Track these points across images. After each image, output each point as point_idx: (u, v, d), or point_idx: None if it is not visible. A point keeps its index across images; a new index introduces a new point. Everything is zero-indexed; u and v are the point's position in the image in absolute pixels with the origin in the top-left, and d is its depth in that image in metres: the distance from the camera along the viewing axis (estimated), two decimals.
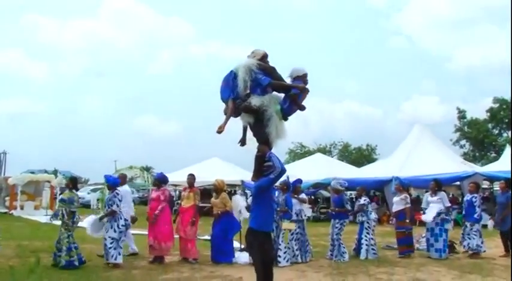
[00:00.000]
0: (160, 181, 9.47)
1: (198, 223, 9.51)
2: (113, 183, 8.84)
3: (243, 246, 9.16)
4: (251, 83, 5.49)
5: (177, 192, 25.22)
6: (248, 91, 5.54)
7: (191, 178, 9.70)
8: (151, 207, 9.25)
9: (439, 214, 10.00)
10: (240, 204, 10.23)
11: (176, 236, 9.34)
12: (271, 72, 5.61)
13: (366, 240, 10.00)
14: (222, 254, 9.11)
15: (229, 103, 5.48)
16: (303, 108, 5.66)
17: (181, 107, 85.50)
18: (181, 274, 8.03)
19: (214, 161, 25.52)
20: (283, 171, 5.22)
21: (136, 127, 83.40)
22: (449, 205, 10.44)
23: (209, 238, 9.80)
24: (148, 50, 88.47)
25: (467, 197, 10.56)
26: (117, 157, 56.07)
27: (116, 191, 8.63)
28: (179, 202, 9.75)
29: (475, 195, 10.43)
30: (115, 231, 8.43)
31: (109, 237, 8.39)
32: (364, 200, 10.44)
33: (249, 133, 5.72)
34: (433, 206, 10.14)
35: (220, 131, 5.37)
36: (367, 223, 10.17)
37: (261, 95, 5.47)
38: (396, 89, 74.62)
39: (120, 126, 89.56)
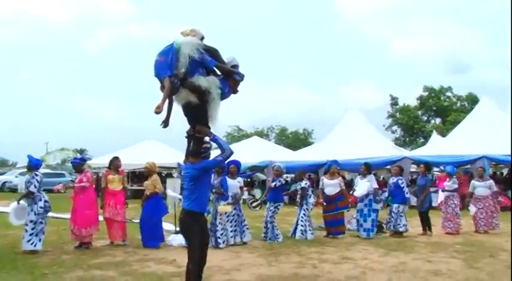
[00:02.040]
0: (32, 166, 8.56)
1: (130, 206, 9.45)
2: (35, 165, 8.54)
3: (177, 228, 9.15)
4: (193, 62, 5.32)
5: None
6: (184, 70, 5.33)
7: (119, 160, 9.59)
8: (75, 191, 9.00)
9: (367, 195, 10.45)
10: (176, 187, 10.23)
11: (101, 219, 9.17)
12: (214, 54, 5.54)
13: (302, 221, 10.26)
14: (150, 237, 9.02)
15: (166, 82, 5.21)
16: (236, 92, 5.70)
17: (119, 87, 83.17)
18: (114, 258, 7.91)
19: (150, 143, 25.19)
20: (231, 153, 5.25)
21: (70, 108, 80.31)
22: (377, 186, 10.88)
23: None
24: (85, 27, 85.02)
25: (392, 179, 11.08)
26: (49, 138, 53.95)
27: (35, 172, 8.35)
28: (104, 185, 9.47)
29: (400, 177, 10.95)
30: (35, 214, 8.17)
31: (30, 221, 8.13)
32: (305, 183, 10.66)
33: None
34: (362, 183, 10.63)
35: (158, 111, 5.10)
36: (306, 205, 10.42)
37: (204, 76, 5.40)
38: (335, 74, 76.37)
39: (53, 107, 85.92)
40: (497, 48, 67.98)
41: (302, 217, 10.28)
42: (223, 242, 9.16)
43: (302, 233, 10.18)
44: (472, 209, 11.33)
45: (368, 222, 10.39)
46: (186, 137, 5.56)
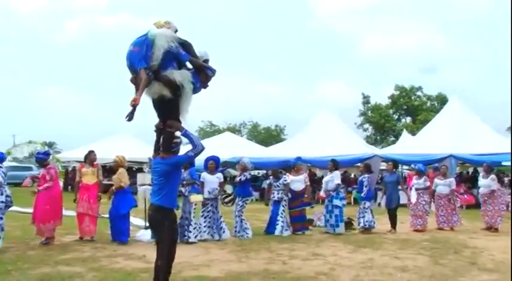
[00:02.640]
0: None
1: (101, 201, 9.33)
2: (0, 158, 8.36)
3: (147, 224, 9.08)
4: (167, 55, 5.24)
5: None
6: (158, 62, 5.23)
7: (94, 154, 9.51)
8: (38, 185, 8.80)
9: (328, 191, 10.70)
10: (146, 182, 10.14)
11: (69, 214, 9.01)
12: (188, 48, 5.48)
13: (282, 218, 10.29)
14: (118, 232, 8.93)
15: (142, 74, 5.10)
16: (206, 87, 5.67)
17: (90, 79, 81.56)
18: (82, 254, 7.79)
19: (122, 137, 24.94)
20: (203, 149, 5.23)
21: (39, 99, 78.48)
22: (339, 182, 11.00)
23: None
24: (54, 18, 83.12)
25: (360, 177, 11.22)
26: (17, 131, 52.69)
27: None
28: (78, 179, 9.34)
29: (365, 175, 11.17)
30: None
31: None
32: (285, 180, 10.70)
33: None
34: (329, 181, 10.83)
35: (135, 103, 5.00)
36: (284, 201, 10.45)
37: (177, 70, 5.34)
38: (308, 71, 76.72)
39: (21, 98, 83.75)
40: (467, 50, 69.51)
41: (282, 213, 10.33)
42: (195, 236, 9.13)
43: (282, 230, 10.19)
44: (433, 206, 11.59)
45: (332, 218, 10.55)
46: (155, 131, 5.49)
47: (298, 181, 10.75)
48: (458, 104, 20.83)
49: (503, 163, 15.68)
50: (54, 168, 9.33)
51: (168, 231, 5.19)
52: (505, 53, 65.45)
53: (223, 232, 9.65)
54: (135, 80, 5.28)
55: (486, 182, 11.62)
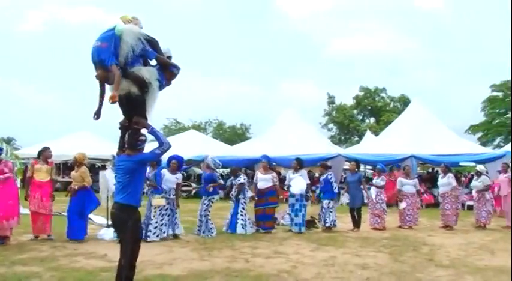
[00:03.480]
0: None
1: (61, 198, 9.13)
2: None
3: (109, 222, 8.95)
4: (134, 51, 5.17)
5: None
6: (125, 59, 5.17)
7: (49, 151, 9.23)
8: None
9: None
10: (109, 179, 9.95)
11: (25, 212, 8.77)
12: (155, 45, 5.43)
13: (242, 216, 10.34)
14: (75, 230, 8.76)
15: (115, 70, 5.02)
16: (169, 85, 5.64)
17: (52, 74, 79.06)
18: (39, 253, 7.60)
19: (84, 134, 24.61)
20: (169, 147, 5.19)
21: None
22: (309, 182, 11.14)
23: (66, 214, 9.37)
24: (15, 10, 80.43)
25: (325, 176, 11.38)
26: None
27: None
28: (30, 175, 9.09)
29: (330, 173, 11.32)
30: None
31: None
32: (244, 179, 10.74)
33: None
34: (297, 179, 10.84)
35: (114, 101, 4.95)
36: (243, 199, 10.49)
37: (143, 67, 5.28)
38: (275, 71, 76.86)
39: None
40: (430, 53, 71.20)
41: (241, 211, 10.36)
42: (157, 236, 9.08)
43: (243, 227, 10.25)
44: (403, 204, 11.83)
45: (299, 217, 10.65)
46: (120, 129, 5.42)
47: (264, 179, 10.80)
48: (419, 106, 21.36)
49: (461, 163, 16.22)
50: (11, 162, 9.07)
51: (132, 229, 5.12)
52: (466, 57, 67.60)
53: (177, 226, 9.62)
54: (103, 76, 5.17)
55: (445, 181, 11.97)
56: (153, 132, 5.25)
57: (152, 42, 5.41)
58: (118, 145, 5.47)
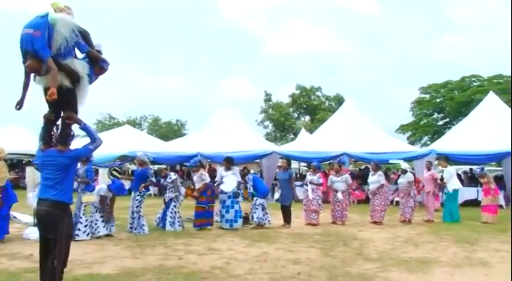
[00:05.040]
0: None
1: None
2: None
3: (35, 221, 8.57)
4: (68, 43, 4.90)
5: None
6: (57, 50, 4.88)
7: None
8: None
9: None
10: (36, 176, 9.52)
11: None
12: (87, 38, 5.20)
13: (172, 213, 10.27)
14: None
15: (51, 63, 4.73)
16: (96, 80, 5.47)
17: None
18: None
19: (12, 128, 23.65)
20: (101, 143, 5.10)
21: None
22: (240, 179, 11.23)
23: None
24: None
25: (248, 175, 11.57)
26: None
27: None
28: None
29: (251, 173, 11.52)
30: None
31: None
32: (174, 175, 10.70)
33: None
34: (229, 177, 10.92)
35: (54, 98, 4.65)
36: (175, 197, 10.40)
37: (75, 60, 5.05)
38: (213, 67, 76.56)
39: None
40: (365, 55, 73.66)
41: (172, 209, 10.28)
42: (87, 234, 8.82)
43: (171, 225, 10.18)
44: (339, 195, 12.18)
45: (231, 213, 10.72)
46: (44, 122, 5.17)
47: (197, 177, 10.88)
48: (353, 105, 22.00)
49: (391, 161, 16.86)
50: None
51: (67, 227, 4.98)
52: (398, 60, 70.49)
53: (111, 225, 9.45)
54: (34, 67, 4.85)
55: (374, 179, 12.44)
56: (85, 128, 5.12)
57: (84, 35, 5.21)
58: (42, 139, 5.18)
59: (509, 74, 36.27)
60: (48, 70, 4.81)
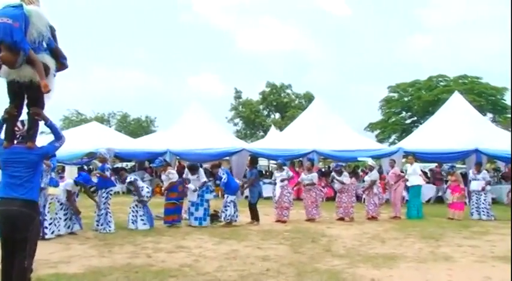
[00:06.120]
0: None
1: None
2: None
3: None
4: (43, 38, 4.78)
5: None
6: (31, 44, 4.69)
7: None
8: None
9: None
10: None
11: None
12: (53, 33, 5.05)
13: (133, 212, 10.25)
14: None
15: (34, 56, 4.60)
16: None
17: None
18: None
19: None
20: (65, 141, 5.00)
21: None
22: (206, 180, 11.20)
23: None
24: None
25: (219, 173, 11.57)
26: None
27: None
28: None
29: (222, 169, 11.61)
30: None
31: None
32: (131, 177, 10.84)
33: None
34: (194, 181, 10.99)
35: (48, 89, 4.56)
36: (139, 195, 10.31)
37: (46, 55, 4.88)
38: (182, 64, 75.92)
39: None
40: (335, 53, 74.37)
41: (134, 207, 10.26)
42: (52, 232, 8.65)
43: (133, 223, 10.15)
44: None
45: (200, 211, 10.74)
46: (6, 118, 5.00)
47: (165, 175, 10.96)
48: (322, 103, 22.18)
49: (359, 159, 17.12)
50: None
51: (37, 226, 4.85)
52: (367, 59, 71.45)
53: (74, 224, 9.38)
54: (9, 59, 4.61)
55: (309, 177, 12.58)
56: (51, 125, 5.01)
57: (52, 31, 5.10)
58: (5, 136, 5.02)
59: (474, 75, 37.56)
60: (22, 63, 4.67)
